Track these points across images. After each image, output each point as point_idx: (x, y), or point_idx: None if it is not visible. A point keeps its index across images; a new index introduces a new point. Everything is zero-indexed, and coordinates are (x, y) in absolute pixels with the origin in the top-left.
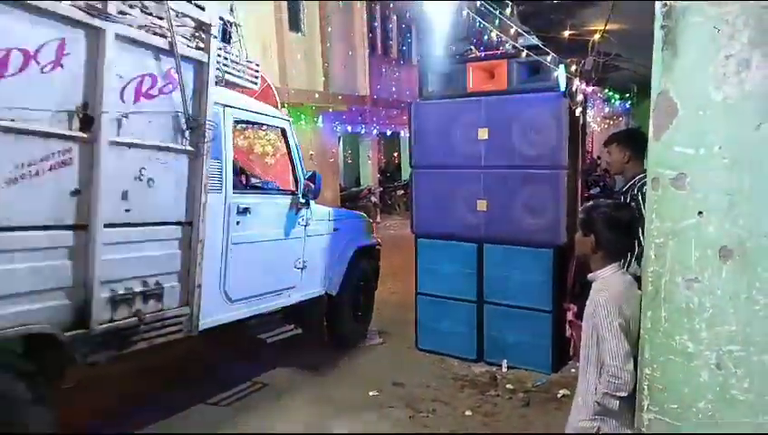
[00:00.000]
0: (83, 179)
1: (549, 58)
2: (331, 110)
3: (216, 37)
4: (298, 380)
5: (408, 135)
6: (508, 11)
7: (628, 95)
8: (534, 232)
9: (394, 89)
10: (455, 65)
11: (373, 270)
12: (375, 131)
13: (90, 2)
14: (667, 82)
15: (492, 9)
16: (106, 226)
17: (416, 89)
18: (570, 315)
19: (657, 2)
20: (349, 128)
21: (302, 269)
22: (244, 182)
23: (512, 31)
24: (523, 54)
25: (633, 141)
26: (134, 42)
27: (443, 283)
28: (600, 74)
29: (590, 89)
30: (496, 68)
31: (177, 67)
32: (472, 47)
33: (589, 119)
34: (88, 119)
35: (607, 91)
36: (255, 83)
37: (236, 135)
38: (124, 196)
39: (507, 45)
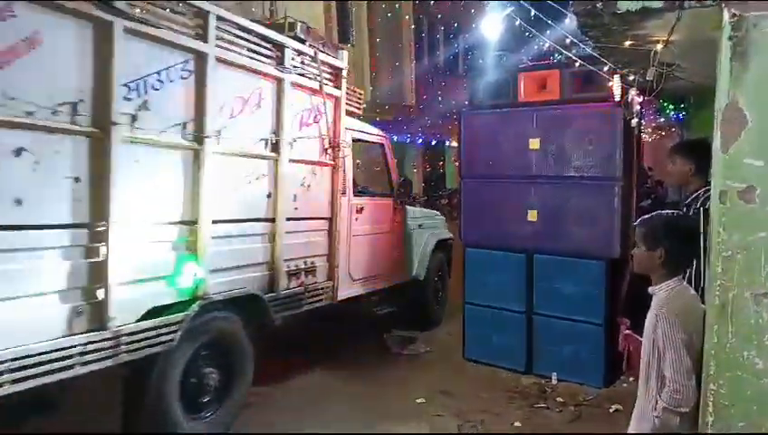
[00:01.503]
0: (272, 186)
1: (605, 68)
2: (377, 119)
3: (345, 78)
4: (343, 383)
5: (453, 144)
6: (566, 21)
7: (682, 105)
8: (587, 244)
9: (440, 98)
10: (505, 75)
11: (448, 260)
12: (420, 141)
13: (277, 59)
14: (737, 94)
15: (545, 18)
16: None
17: (462, 98)
18: (623, 329)
19: (725, 12)
20: (395, 137)
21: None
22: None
23: (566, 41)
24: (577, 64)
25: (699, 152)
26: (300, 85)
27: (491, 293)
28: (660, 85)
29: (643, 99)
30: (549, 77)
31: (324, 103)
32: (523, 57)
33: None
34: (276, 144)
35: (660, 100)
36: (360, 108)
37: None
38: (294, 198)
39: (560, 55)
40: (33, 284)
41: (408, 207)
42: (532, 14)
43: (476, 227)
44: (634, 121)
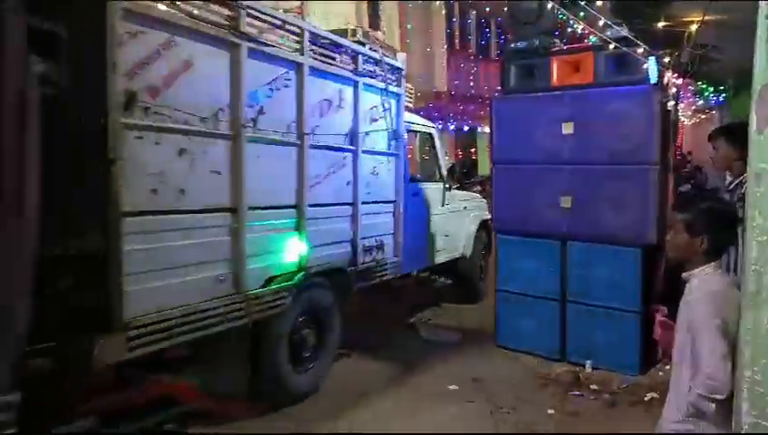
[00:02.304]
0: (352, 174)
1: (639, 50)
2: (410, 105)
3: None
4: (375, 366)
5: (485, 130)
6: (599, 3)
7: (722, 88)
8: (622, 230)
9: (472, 84)
10: (537, 59)
11: (488, 239)
12: (452, 127)
13: (354, 65)
14: None
15: (578, 1)
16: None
17: (494, 84)
18: (659, 317)
19: None
20: None
21: (446, 236)
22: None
23: (600, 23)
24: (611, 46)
25: (743, 136)
26: (370, 86)
27: (524, 280)
28: (695, 67)
29: (680, 81)
30: (582, 61)
31: (388, 100)
32: (555, 40)
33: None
34: (354, 137)
35: (699, 83)
36: (411, 102)
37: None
38: (367, 184)
39: (593, 37)
40: (191, 255)
41: (455, 191)
42: None
43: (508, 214)
44: (670, 104)
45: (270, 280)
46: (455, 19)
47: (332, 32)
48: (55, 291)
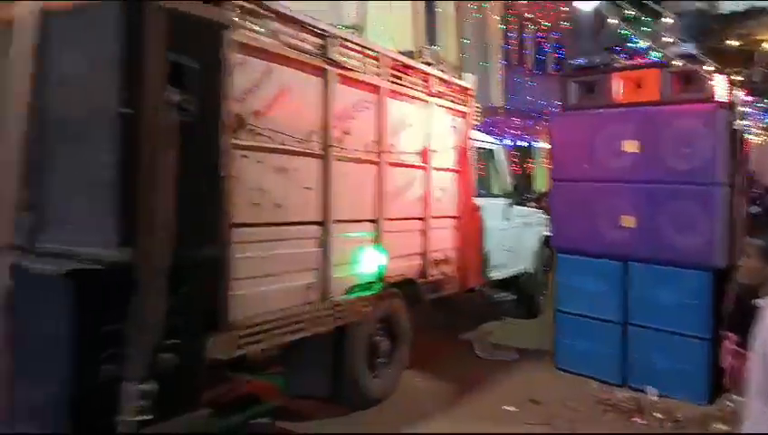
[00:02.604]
0: (423, 190)
1: (707, 68)
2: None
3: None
4: (431, 384)
5: (542, 146)
6: (668, 20)
7: None
8: (688, 252)
9: (529, 99)
10: (598, 75)
11: (549, 255)
12: (508, 142)
13: (427, 87)
14: None
15: (642, 17)
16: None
17: (551, 99)
18: (728, 344)
19: None
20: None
21: (509, 251)
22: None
23: (664, 40)
24: (677, 63)
25: None
26: (441, 106)
27: (584, 301)
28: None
29: (750, 99)
30: (645, 78)
31: (457, 119)
32: (617, 56)
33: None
34: (425, 154)
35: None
36: (478, 120)
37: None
38: (437, 199)
39: (655, 53)
40: (285, 264)
41: (517, 206)
42: (630, 13)
43: (568, 232)
44: (738, 123)
45: (351, 289)
46: (512, 34)
47: (401, 53)
48: (180, 294)
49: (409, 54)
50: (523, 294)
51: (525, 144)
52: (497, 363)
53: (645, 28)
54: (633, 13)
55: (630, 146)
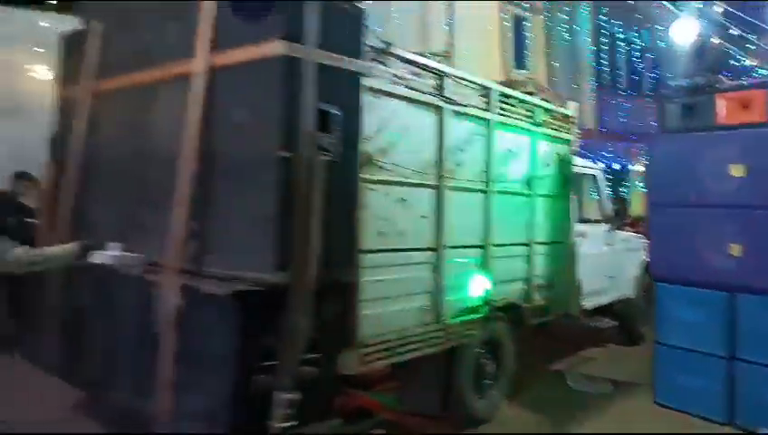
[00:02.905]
0: (529, 216)
1: None
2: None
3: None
4: (524, 416)
5: (637, 169)
6: None
7: None
8: None
9: (622, 120)
10: (700, 96)
11: (650, 281)
12: (600, 165)
13: (532, 117)
14: None
15: (746, 34)
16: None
17: (646, 120)
18: None
19: None
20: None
21: (610, 277)
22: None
23: None
24: None
25: None
26: (545, 135)
27: (686, 333)
28: None
29: None
30: (753, 99)
31: (561, 146)
32: (720, 76)
33: None
34: (530, 182)
35: None
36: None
37: None
38: (540, 226)
39: (762, 69)
40: (405, 287)
41: (619, 231)
42: (736, 33)
43: (668, 260)
44: None
45: (460, 312)
46: (604, 55)
47: (501, 83)
48: (321, 314)
49: (511, 85)
50: (624, 320)
51: (618, 167)
52: (591, 396)
53: (750, 46)
54: (737, 32)
55: (737, 170)
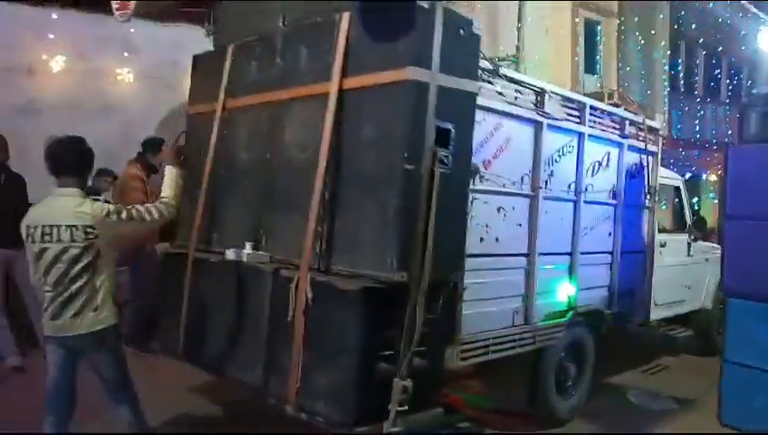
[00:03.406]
0: (612, 226)
1: None
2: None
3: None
4: (587, 427)
5: (711, 178)
6: None
7: None
8: None
9: (697, 128)
10: None
11: None
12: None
13: (621, 130)
14: None
15: None
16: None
17: (723, 128)
18: None
19: None
20: None
21: (688, 287)
22: None
23: None
24: None
25: None
26: (632, 146)
27: (759, 351)
28: None
29: None
30: None
31: (647, 159)
32: None
33: None
34: (616, 193)
35: None
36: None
37: None
38: (623, 235)
39: None
40: (500, 290)
41: (700, 242)
42: None
43: (743, 275)
44: None
45: (547, 315)
46: (680, 60)
47: (587, 95)
48: (431, 311)
49: (599, 96)
50: (700, 331)
51: (693, 176)
52: (654, 415)
53: None
54: None
55: None
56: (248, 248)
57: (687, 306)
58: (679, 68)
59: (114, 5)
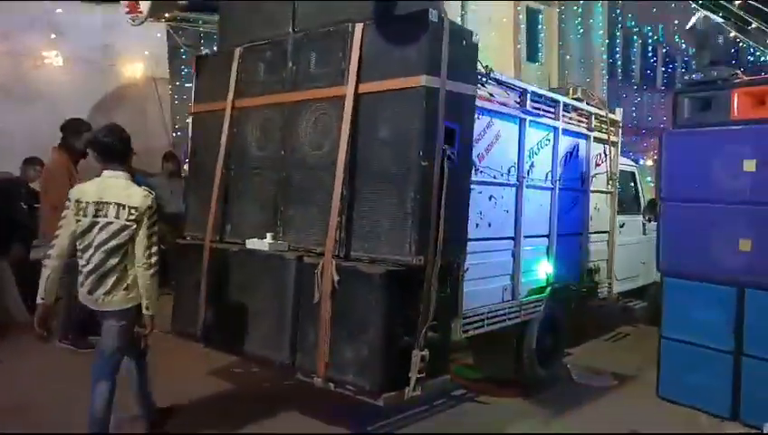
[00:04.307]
0: (585, 210)
1: None
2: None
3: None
4: (524, 409)
5: (647, 163)
6: None
7: None
8: None
9: (634, 114)
10: (715, 91)
11: None
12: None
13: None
14: None
15: (766, 29)
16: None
17: (659, 115)
18: None
19: None
20: None
21: (644, 263)
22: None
23: None
24: None
25: None
26: (597, 139)
27: (693, 328)
28: None
29: None
30: None
31: (609, 149)
32: (737, 71)
33: None
34: (585, 180)
35: None
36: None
37: None
38: (592, 217)
39: None
40: (492, 270)
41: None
42: (755, 26)
43: (677, 255)
44: None
45: (531, 292)
46: (617, 48)
47: (551, 90)
48: (442, 289)
49: (563, 92)
50: (653, 302)
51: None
52: (595, 391)
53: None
54: (755, 25)
55: (750, 165)
56: (269, 238)
57: (642, 280)
58: (618, 56)
59: (124, 6)
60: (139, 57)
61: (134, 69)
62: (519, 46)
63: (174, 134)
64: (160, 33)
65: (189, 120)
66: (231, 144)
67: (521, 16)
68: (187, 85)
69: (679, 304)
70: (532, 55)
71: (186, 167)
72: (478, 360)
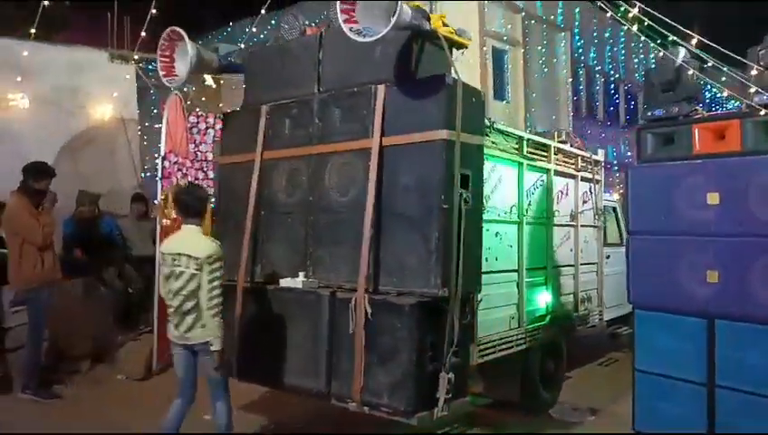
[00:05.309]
0: (574, 244)
1: None
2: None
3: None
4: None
5: (612, 198)
6: (753, 72)
7: None
8: None
9: (599, 151)
10: (676, 127)
11: None
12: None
13: (576, 165)
14: None
15: (722, 66)
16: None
17: (623, 150)
18: None
19: None
20: None
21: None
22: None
23: (752, 90)
24: (762, 113)
25: None
26: (583, 178)
27: (665, 360)
28: None
29: None
30: (727, 128)
31: (594, 187)
32: (697, 107)
33: None
34: (574, 216)
35: None
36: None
37: None
38: (582, 250)
39: (736, 103)
40: (500, 300)
41: None
42: (711, 64)
43: (646, 288)
44: None
45: (533, 320)
46: (581, 87)
47: (538, 134)
48: (462, 318)
49: (551, 136)
50: None
51: None
52: (574, 426)
53: (724, 78)
54: (711, 63)
55: (713, 198)
56: (302, 277)
57: (628, 308)
58: (581, 94)
59: (160, 70)
60: (108, 98)
61: (102, 110)
62: (486, 85)
63: (143, 175)
64: (129, 75)
65: (216, 170)
66: (260, 192)
67: (488, 57)
68: (156, 126)
69: (651, 336)
70: (500, 94)
71: (153, 208)
72: (487, 385)
